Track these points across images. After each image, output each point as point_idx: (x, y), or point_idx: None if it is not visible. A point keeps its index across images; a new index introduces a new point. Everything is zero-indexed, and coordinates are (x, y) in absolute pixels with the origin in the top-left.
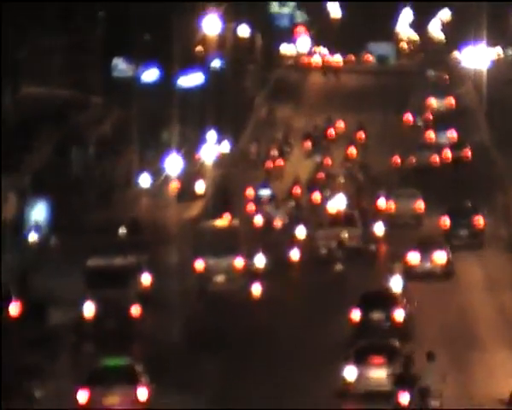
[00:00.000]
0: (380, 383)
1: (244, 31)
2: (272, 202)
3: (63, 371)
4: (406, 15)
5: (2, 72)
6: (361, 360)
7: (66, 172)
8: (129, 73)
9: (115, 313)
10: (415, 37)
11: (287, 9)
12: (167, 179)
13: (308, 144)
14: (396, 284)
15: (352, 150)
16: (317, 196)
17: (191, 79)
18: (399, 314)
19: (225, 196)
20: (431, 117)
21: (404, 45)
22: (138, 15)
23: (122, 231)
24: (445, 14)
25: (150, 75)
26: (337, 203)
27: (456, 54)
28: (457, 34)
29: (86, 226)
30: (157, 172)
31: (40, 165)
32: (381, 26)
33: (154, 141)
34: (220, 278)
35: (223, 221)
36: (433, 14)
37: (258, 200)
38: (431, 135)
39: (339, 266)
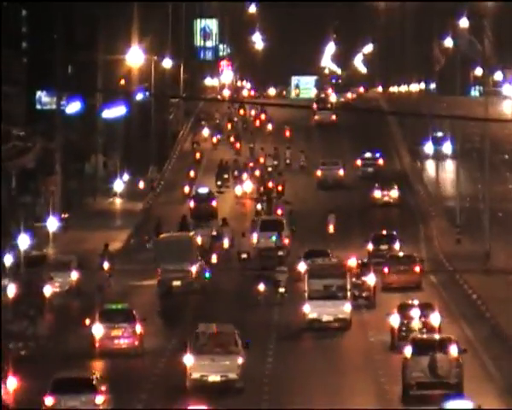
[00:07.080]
0: None
1: (168, 64)
2: None
3: None
4: (330, 49)
5: None
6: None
7: None
8: (52, 106)
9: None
10: (338, 70)
11: (210, 43)
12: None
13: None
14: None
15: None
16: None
17: (115, 112)
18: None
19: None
20: None
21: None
22: (62, 48)
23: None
24: (368, 49)
25: (73, 107)
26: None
27: (379, 89)
28: (381, 68)
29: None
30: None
31: None
32: (305, 60)
33: (77, 172)
34: (177, 283)
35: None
36: (357, 48)
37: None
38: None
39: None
